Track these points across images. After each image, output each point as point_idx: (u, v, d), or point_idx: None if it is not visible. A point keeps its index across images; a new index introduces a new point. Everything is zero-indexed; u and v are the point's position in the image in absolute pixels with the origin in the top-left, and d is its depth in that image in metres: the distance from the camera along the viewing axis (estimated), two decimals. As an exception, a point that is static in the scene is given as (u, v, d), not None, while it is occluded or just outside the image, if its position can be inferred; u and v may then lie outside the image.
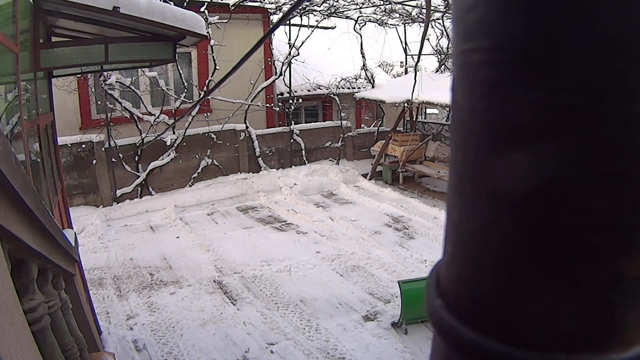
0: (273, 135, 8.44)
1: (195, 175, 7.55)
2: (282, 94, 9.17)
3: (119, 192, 6.88)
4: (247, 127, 7.92)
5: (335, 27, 9.42)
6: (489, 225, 0.25)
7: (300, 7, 7.63)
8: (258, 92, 8.09)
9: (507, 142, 0.23)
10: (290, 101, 8.80)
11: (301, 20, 8.49)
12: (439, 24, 9.46)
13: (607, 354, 0.23)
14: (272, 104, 8.87)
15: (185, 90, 7.44)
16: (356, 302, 4.00)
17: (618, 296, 0.23)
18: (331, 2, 7.96)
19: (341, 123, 9.16)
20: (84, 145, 6.49)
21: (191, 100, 7.65)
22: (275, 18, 8.49)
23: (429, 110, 11.50)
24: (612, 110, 0.21)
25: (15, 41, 2.12)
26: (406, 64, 10.86)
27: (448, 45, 9.56)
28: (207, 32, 5.70)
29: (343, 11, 8.60)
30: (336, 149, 9.17)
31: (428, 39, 9.08)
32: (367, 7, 8.54)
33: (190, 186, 7.50)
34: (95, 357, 2.45)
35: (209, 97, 7.46)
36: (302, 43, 8.33)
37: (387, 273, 4.55)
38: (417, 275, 4.41)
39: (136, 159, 7.03)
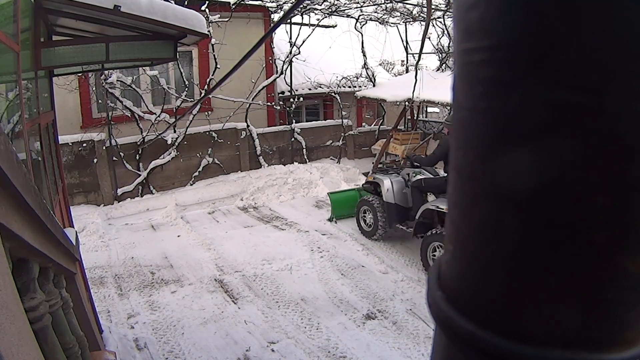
0: (274, 133, 8.44)
1: (196, 174, 7.56)
2: (283, 92, 9.16)
3: (120, 191, 6.89)
4: (248, 126, 7.92)
5: (336, 26, 9.41)
6: (490, 223, 0.25)
7: (301, 6, 7.62)
8: (259, 91, 8.09)
9: (509, 140, 0.23)
10: (291, 100, 8.80)
11: (302, 19, 8.49)
12: (440, 22, 9.44)
13: (605, 353, 0.23)
14: (273, 103, 8.87)
15: (186, 89, 7.44)
16: (357, 301, 4.00)
17: (619, 294, 0.23)
18: (332, 0, 7.95)
19: (342, 122, 9.16)
20: (85, 144, 6.50)
21: (192, 99, 7.65)
22: (276, 17, 8.48)
23: (430, 109, 11.48)
24: (613, 108, 0.21)
25: (16, 40, 2.12)
26: (407, 62, 10.85)
27: (449, 44, 9.55)
28: (208, 31, 5.70)
29: (344, 10, 8.59)
30: (337, 148, 9.18)
31: (429, 38, 9.05)
32: (368, 6, 8.53)
33: (191, 185, 7.51)
34: (97, 355, 2.46)
35: (210, 96, 7.46)
36: (303, 42, 8.33)
37: (389, 271, 4.55)
38: (420, 277, 4.44)
39: (137, 157, 7.03)
